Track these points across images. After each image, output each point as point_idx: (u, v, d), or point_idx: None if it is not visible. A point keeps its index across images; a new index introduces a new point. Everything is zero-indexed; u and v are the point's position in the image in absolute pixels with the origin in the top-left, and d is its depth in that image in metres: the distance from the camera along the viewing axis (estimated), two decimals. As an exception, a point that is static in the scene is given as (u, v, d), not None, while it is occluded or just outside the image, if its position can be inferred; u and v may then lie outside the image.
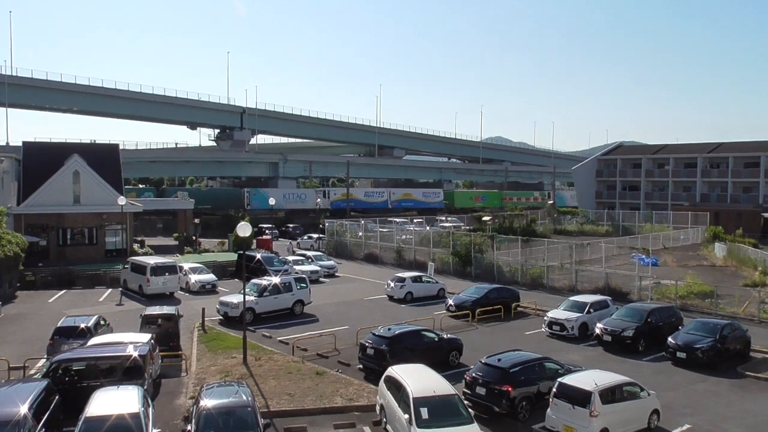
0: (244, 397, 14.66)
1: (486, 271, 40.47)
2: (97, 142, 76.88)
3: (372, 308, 32.12)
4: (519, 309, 31.18)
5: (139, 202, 56.62)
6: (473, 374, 17.95)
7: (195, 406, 14.57)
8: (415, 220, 68.19)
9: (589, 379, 16.35)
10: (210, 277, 37.59)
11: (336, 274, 43.20)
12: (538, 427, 16.71)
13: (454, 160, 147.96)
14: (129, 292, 35.96)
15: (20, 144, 53.21)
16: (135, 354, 17.70)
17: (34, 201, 45.04)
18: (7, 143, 78.34)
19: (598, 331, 25.30)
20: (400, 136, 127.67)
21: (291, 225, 72.93)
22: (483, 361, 18.27)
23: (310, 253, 46.74)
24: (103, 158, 50.26)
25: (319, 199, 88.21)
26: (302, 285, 31.39)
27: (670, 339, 23.28)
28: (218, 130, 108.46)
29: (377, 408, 17.01)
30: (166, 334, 22.91)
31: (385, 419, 16.24)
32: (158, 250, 49.30)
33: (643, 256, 43.02)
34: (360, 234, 53.72)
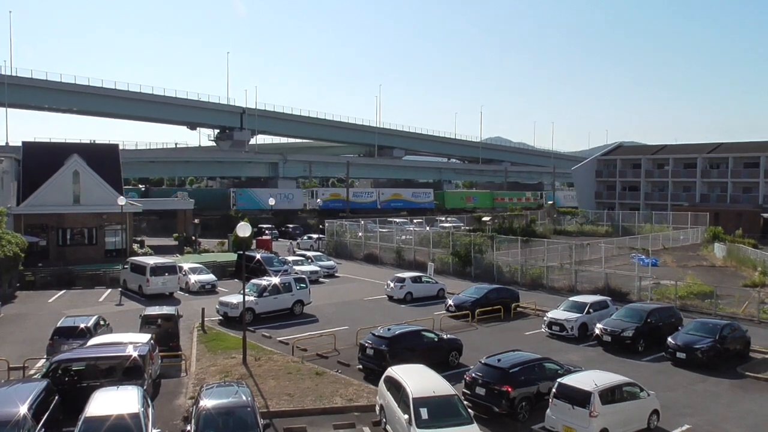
0: (244, 398, 14.65)
1: (486, 272, 40.46)
2: (96, 142, 76.99)
3: (372, 308, 32.12)
4: (519, 309, 31.17)
5: (139, 202, 56.60)
6: (473, 374, 17.95)
7: (195, 407, 14.57)
8: (414, 221, 68.15)
9: (588, 379, 16.35)
10: (210, 277, 37.58)
11: (336, 274, 43.19)
12: (537, 428, 16.71)
13: (454, 160, 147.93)
14: (129, 293, 35.94)
15: (20, 144, 53.20)
16: (135, 354, 17.70)
17: (33, 201, 45.03)
18: (7, 143, 78.35)
19: (597, 331, 25.30)
20: (399, 136, 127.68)
21: (291, 225, 72.92)
22: (483, 362, 18.27)
23: (309, 254, 46.73)
24: (103, 158, 50.27)
25: (307, 200, 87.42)
26: (302, 285, 31.39)
27: (669, 339, 23.28)
28: (218, 131, 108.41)
29: (377, 408, 17.01)
30: (166, 335, 22.90)
31: (384, 419, 16.24)
32: (158, 251, 49.29)
33: (643, 257, 43.03)
34: (360, 234, 53.70)
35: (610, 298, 29.72)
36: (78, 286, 38.46)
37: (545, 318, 27.68)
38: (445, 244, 45.67)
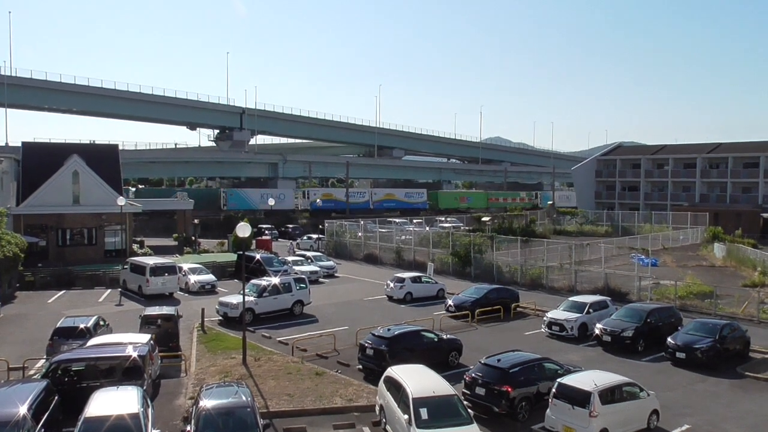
0: (244, 398, 14.65)
1: (485, 272, 40.47)
2: (96, 142, 76.96)
3: (371, 309, 32.12)
4: (518, 309, 31.18)
5: (139, 202, 56.58)
6: (473, 375, 17.95)
7: (194, 407, 14.56)
8: (414, 221, 68.14)
9: (588, 379, 16.35)
10: (209, 277, 37.58)
11: (335, 274, 43.19)
12: (537, 428, 16.71)
13: (454, 160, 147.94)
14: (128, 293, 35.93)
15: (19, 144, 53.22)
16: (134, 354, 17.69)
17: (33, 201, 45.01)
18: (7, 144, 78.32)
19: (597, 331, 25.30)
20: (399, 136, 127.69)
21: (290, 226, 72.92)
22: (482, 362, 18.27)
23: (309, 254, 46.73)
24: (103, 159, 50.27)
25: (298, 200, 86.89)
26: (302, 285, 31.40)
27: (669, 339, 23.29)
28: (218, 131, 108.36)
29: (377, 408, 17.01)
30: (166, 335, 22.89)
31: (384, 420, 16.24)
32: (157, 251, 49.30)
33: (643, 257, 43.03)
34: (359, 234, 53.70)
35: (609, 298, 29.73)
36: (78, 287, 38.44)
37: (545, 318, 27.69)
38: (444, 245, 45.67)
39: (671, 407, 17.98)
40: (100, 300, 34.33)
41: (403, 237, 52.14)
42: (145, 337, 20.04)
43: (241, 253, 37.81)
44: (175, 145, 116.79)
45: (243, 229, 21.87)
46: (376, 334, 21.64)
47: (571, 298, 29.05)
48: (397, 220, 66.97)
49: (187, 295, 35.61)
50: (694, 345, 22.44)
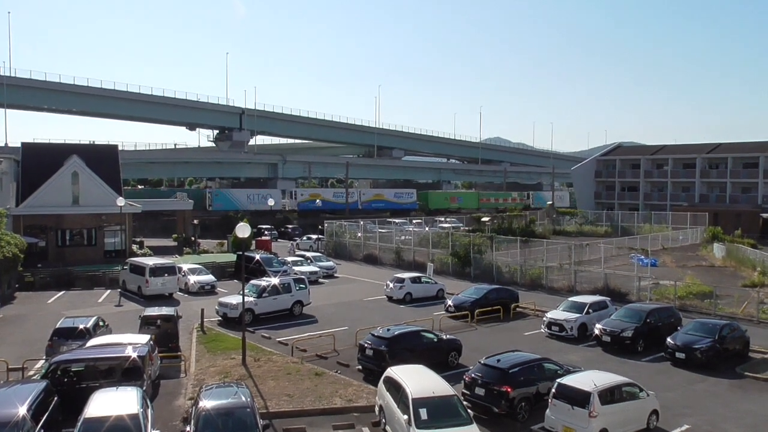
0: (243, 398, 14.65)
1: (485, 272, 40.48)
2: (95, 143, 76.86)
3: (371, 309, 32.11)
4: (518, 309, 31.18)
5: (139, 202, 56.54)
6: (472, 375, 17.95)
7: (194, 407, 14.56)
8: (414, 221, 68.15)
9: (588, 379, 16.36)
10: (209, 278, 37.58)
11: (335, 274, 43.19)
12: (537, 428, 16.71)
13: (453, 160, 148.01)
14: (128, 293, 35.92)
15: (19, 145, 53.19)
16: (134, 355, 17.68)
17: (32, 202, 44.99)
18: (6, 144, 78.26)
19: (597, 331, 25.31)
20: (399, 136, 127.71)
21: (290, 226, 72.88)
22: (482, 362, 18.27)
23: (309, 254, 46.74)
24: (102, 159, 50.24)
25: (286, 200, 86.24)
26: (301, 286, 31.40)
27: (669, 339, 23.30)
28: (217, 131, 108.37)
29: (376, 409, 17.01)
30: (165, 335, 22.87)
31: (384, 420, 16.24)
32: (157, 251, 49.28)
33: (642, 257, 43.06)
34: (359, 235, 53.72)
35: (609, 299, 29.74)
36: (77, 287, 38.43)
37: (544, 318, 27.69)
38: (444, 245, 45.68)
39: (671, 407, 17.99)
40: (100, 300, 34.32)
41: (403, 237, 52.16)
42: (144, 338, 20.04)
43: (240, 253, 37.81)
44: (175, 145, 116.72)
45: (243, 230, 21.87)
46: (376, 334, 21.64)
47: (570, 299, 29.07)
48: (396, 221, 66.95)
49: (186, 295, 35.60)
50: (694, 345, 22.45)
